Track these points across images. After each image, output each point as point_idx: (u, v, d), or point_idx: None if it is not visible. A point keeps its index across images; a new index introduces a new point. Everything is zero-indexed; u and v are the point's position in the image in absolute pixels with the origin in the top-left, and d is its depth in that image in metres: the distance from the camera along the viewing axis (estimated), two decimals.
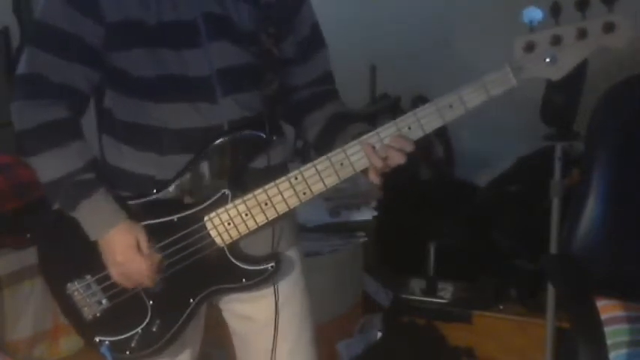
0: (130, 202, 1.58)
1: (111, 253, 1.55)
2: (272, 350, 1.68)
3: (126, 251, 1.54)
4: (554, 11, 1.40)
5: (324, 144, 1.62)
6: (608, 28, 1.39)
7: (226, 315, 1.77)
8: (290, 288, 1.70)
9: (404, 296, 3.20)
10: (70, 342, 2.68)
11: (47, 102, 1.54)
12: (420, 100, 3.53)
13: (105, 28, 1.51)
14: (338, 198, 3.01)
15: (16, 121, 1.56)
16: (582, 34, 1.40)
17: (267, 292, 1.65)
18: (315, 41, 1.70)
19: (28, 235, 2.57)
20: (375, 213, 3.05)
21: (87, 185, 1.54)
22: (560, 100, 2.58)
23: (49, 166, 1.54)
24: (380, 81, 3.69)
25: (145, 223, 1.57)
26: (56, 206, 1.56)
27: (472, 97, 1.45)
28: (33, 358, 2.64)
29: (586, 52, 1.42)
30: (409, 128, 1.49)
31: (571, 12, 1.40)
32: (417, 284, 3.24)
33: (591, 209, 2.08)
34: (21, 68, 1.56)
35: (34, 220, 2.54)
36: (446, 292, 3.18)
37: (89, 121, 1.66)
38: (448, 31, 3.52)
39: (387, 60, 3.62)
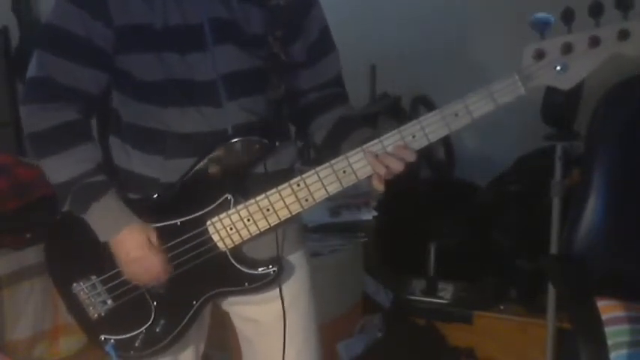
0: (135, 205, 1.58)
1: (124, 252, 1.55)
2: (282, 352, 1.68)
3: (139, 249, 1.54)
4: (567, 18, 1.35)
5: (330, 149, 1.62)
6: (623, 35, 1.34)
7: (233, 317, 1.77)
8: (296, 291, 1.70)
9: (404, 296, 3.19)
10: (69, 342, 2.68)
11: (57, 105, 1.53)
12: (420, 100, 3.53)
13: (113, 31, 1.51)
14: (338, 198, 3.01)
15: (26, 124, 1.55)
16: (595, 42, 1.35)
17: (273, 295, 1.64)
18: (324, 45, 1.68)
19: (28, 235, 2.57)
20: (375, 213, 3.04)
21: (98, 187, 1.54)
22: (560, 100, 2.58)
23: (60, 168, 1.54)
24: (380, 81, 3.69)
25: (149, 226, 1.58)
26: (66, 208, 1.56)
27: (479, 105, 1.42)
28: (32, 358, 2.64)
29: (599, 61, 1.37)
30: (413, 137, 1.47)
31: (584, 18, 1.35)
32: (417, 284, 3.24)
33: (591, 209, 2.07)
34: (31, 71, 1.55)
35: (36, 220, 2.54)
36: (446, 293, 3.18)
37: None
38: (448, 31, 3.52)
39: (387, 60, 3.62)
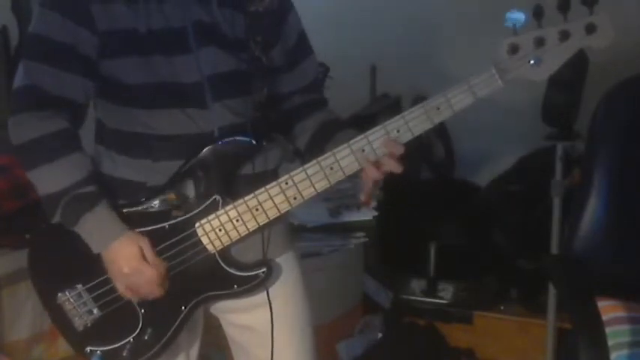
0: (122, 210, 1.56)
1: (116, 265, 1.53)
2: (271, 357, 1.67)
3: (131, 262, 1.51)
4: (537, 14, 1.42)
5: (314, 152, 1.61)
6: (590, 29, 1.41)
7: (224, 325, 1.76)
8: (288, 293, 1.69)
9: (404, 296, 3.19)
10: None
11: (46, 114, 1.51)
12: (420, 101, 3.50)
13: (98, 37, 1.50)
14: (338, 198, 3.00)
15: (14, 134, 1.53)
16: (565, 35, 1.42)
17: (263, 299, 1.63)
18: (302, 49, 1.70)
19: (27, 236, 2.57)
20: (375, 213, 3.04)
21: (89, 198, 1.52)
22: (561, 100, 2.58)
23: (49, 179, 1.52)
24: (380, 81, 3.69)
25: (137, 230, 1.55)
26: (56, 220, 1.53)
27: (459, 98, 1.46)
28: (31, 359, 2.63)
29: (569, 53, 1.44)
30: (398, 131, 1.49)
31: (554, 14, 1.42)
32: (417, 284, 3.24)
33: (592, 209, 2.07)
34: (17, 81, 1.53)
35: (32, 221, 2.54)
36: (446, 293, 3.18)
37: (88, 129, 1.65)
38: (448, 31, 3.52)
39: (387, 60, 3.62)
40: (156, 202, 1.56)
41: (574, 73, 2.53)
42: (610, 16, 1.41)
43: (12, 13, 3.88)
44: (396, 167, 1.49)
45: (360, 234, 3.00)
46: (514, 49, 1.44)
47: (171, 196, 1.56)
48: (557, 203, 2.68)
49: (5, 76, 3.91)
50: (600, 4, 1.40)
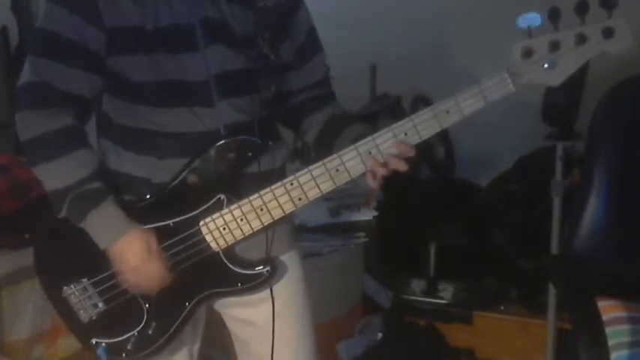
0: (128, 207, 1.56)
1: (124, 260, 1.54)
2: (271, 354, 1.68)
3: (139, 256, 1.53)
4: (553, 16, 1.37)
5: (323, 147, 1.62)
6: (608, 33, 1.36)
7: (227, 319, 1.76)
8: (291, 291, 1.70)
9: (404, 296, 3.19)
10: (68, 342, 2.67)
11: (52, 110, 1.52)
12: (420, 100, 3.53)
13: (105, 34, 1.50)
14: (338, 198, 3.01)
15: (21, 130, 1.53)
16: (581, 39, 1.38)
17: (266, 295, 1.64)
18: (311, 46, 1.69)
19: (27, 236, 2.57)
20: (375, 213, 3.04)
21: (95, 195, 1.52)
22: (561, 100, 2.58)
23: (55, 175, 1.52)
24: (380, 81, 3.69)
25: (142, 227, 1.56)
26: (62, 215, 1.54)
27: (469, 102, 1.44)
28: (31, 359, 2.63)
29: (585, 58, 1.40)
30: (405, 134, 1.48)
31: (571, 17, 1.37)
32: (417, 284, 3.24)
33: (592, 209, 2.07)
34: (24, 77, 1.54)
35: (32, 221, 2.54)
36: (446, 293, 3.18)
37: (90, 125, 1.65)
38: (448, 30, 3.52)
39: (387, 60, 3.62)
40: (160, 199, 1.56)
41: (575, 73, 2.52)
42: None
43: (12, 13, 3.89)
44: (402, 166, 1.49)
45: (360, 234, 3.00)
46: (528, 53, 1.40)
47: (180, 188, 1.56)
48: (557, 203, 2.67)
49: (5, 76, 3.92)
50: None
